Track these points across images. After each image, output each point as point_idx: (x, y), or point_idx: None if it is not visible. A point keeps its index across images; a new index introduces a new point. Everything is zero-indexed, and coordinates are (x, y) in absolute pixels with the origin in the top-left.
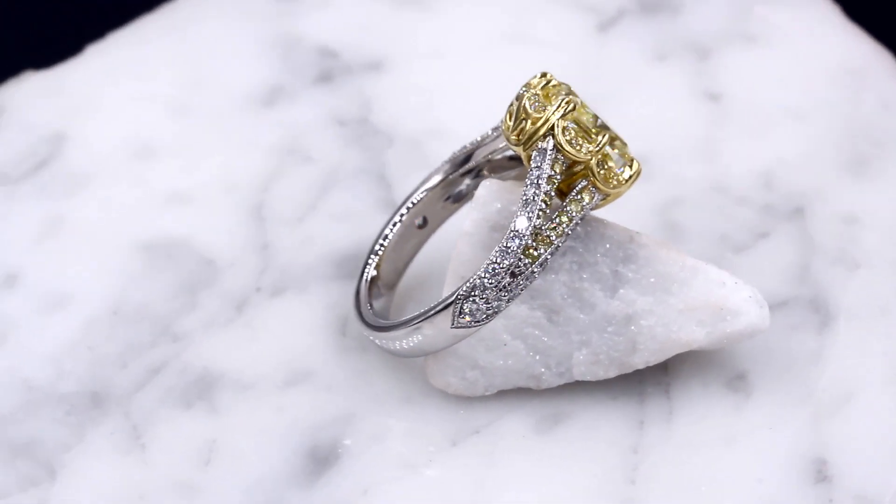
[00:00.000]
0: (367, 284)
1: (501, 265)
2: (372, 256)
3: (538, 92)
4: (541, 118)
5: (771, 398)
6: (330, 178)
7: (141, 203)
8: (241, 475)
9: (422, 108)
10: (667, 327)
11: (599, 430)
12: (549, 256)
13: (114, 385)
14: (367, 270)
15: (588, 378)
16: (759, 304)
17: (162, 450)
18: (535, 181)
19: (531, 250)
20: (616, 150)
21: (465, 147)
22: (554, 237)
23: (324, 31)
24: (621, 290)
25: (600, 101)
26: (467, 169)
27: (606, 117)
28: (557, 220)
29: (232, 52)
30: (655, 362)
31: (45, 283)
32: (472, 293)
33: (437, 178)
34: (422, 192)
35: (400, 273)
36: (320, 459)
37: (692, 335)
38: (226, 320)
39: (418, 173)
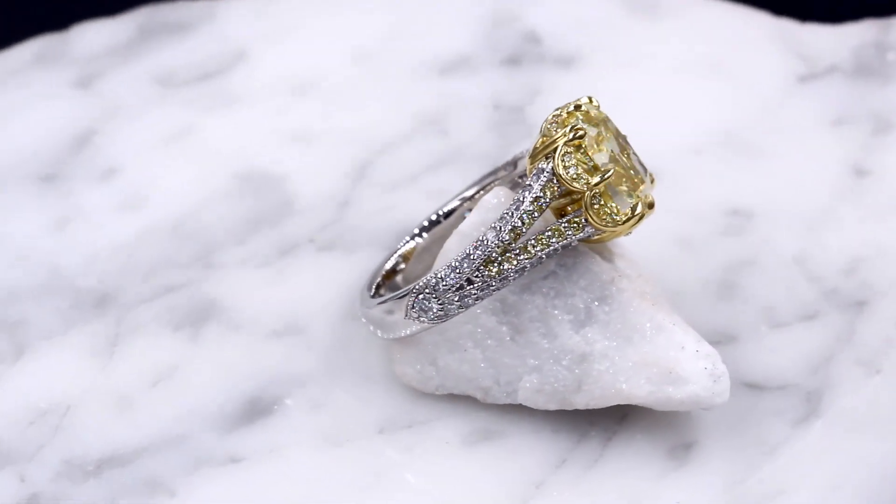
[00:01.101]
0: (387, 270)
1: (459, 270)
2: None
3: (567, 113)
4: (550, 138)
5: (700, 476)
6: (450, 156)
7: (270, 135)
8: (175, 405)
9: None
10: (615, 376)
11: (519, 457)
12: (514, 275)
13: (125, 293)
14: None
15: (529, 404)
16: (714, 379)
17: (125, 362)
18: (521, 199)
19: (493, 264)
20: (627, 190)
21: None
22: (524, 258)
23: (541, 17)
24: (587, 328)
25: (749, 145)
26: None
27: (745, 163)
28: (532, 242)
29: (440, 17)
30: (595, 406)
31: (137, 182)
32: (426, 290)
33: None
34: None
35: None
36: (253, 410)
37: (636, 390)
38: (263, 262)
39: None
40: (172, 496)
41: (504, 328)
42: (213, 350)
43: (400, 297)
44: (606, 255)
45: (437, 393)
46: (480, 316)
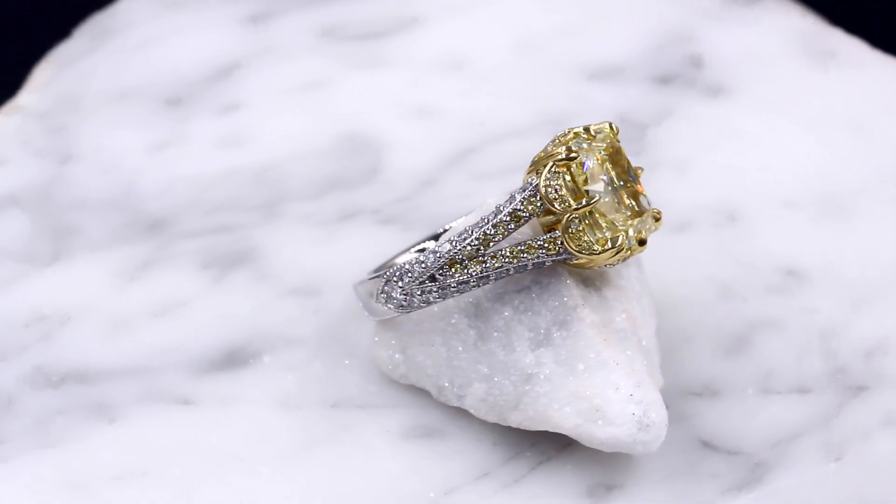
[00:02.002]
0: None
1: (426, 264)
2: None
3: (573, 133)
4: (547, 154)
5: None
6: None
7: (394, 104)
8: (163, 339)
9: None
10: (549, 402)
11: (447, 461)
12: (475, 283)
13: (179, 225)
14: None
15: (472, 412)
16: (641, 427)
17: (142, 288)
18: (500, 208)
19: (458, 265)
20: (618, 221)
21: None
22: (489, 266)
23: (715, 42)
24: (542, 349)
25: (844, 209)
26: None
27: (830, 225)
28: (503, 252)
29: (612, 25)
30: (527, 428)
31: (248, 123)
32: (393, 277)
33: None
34: None
35: None
36: (229, 360)
37: (564, 421)
38: (321, 222)
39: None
40: (111, 422)
41: (472, 332)
42: (227, 295)
43: (374, 279)
44: (597, 283)
45: (400, 381)
46: (454, 315)
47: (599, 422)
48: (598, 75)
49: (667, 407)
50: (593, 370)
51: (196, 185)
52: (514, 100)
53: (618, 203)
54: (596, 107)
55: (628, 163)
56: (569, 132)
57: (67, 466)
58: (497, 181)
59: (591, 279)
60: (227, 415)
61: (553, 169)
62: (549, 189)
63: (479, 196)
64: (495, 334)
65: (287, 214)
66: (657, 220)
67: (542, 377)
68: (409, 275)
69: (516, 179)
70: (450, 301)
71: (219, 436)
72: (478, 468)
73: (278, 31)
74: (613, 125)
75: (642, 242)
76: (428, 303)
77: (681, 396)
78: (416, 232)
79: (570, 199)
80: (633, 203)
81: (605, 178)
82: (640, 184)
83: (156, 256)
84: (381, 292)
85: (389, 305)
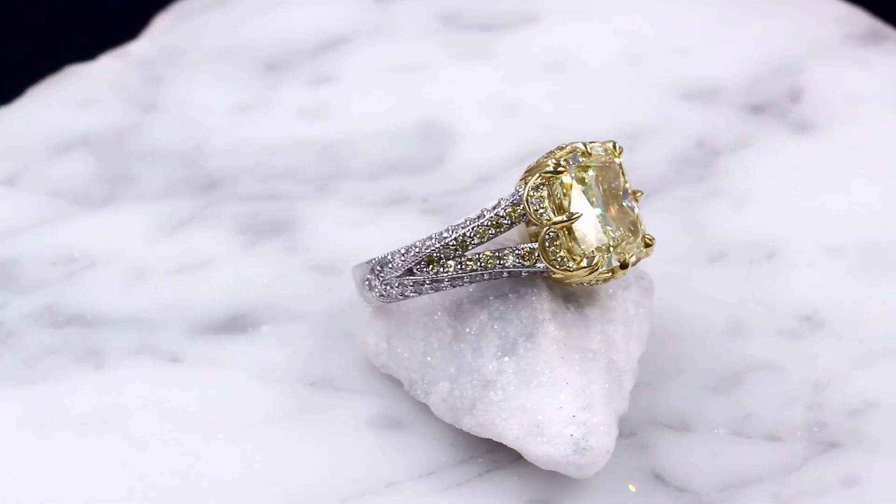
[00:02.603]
0: None
1: (404, 257)
2: None
3: (572, 147)
4: (538, 163)
5: None
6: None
7: (484, 97)
8: (175, 295)
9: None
10: (499, 412)
11: (400, 455)
12: (448, 284)
13: (232, 188)
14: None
15: (433, 410)
16: (576, 449)
17: (174, 243)
18: (483, 212)
19: (435, 263)
20: (600, 242)
21: None
22: (464, 269)
23: (823, 78)
24: (506, 358)
25: (886, 265)
26: None
27: (864, 278)
28: (479, 257)
29: (724, 46)
30: (476, 434)
31: (337, 98)
32: (376, 267)
33: None
34: None
35: None
36: (229, 324)
37: (507, 432)
38: (368, 203)
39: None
40: (96, 369)
41: (449, 331)
42: (251, 261)
43: (364, 265)
44: (581, 300)
45: (381, 370)
46: (438, 312)
47: (538, 438)
48: (692, 95)
49: (632, 434)
50: (544, 386)
51: (263, 151)
52: (600, 109)
53: (605, 223)
54: (676, 126)
55: (626, 184)
56: (567, 146)
57: (38, 405)
58: None
59: (574, 295)
60: (208, 378)
61: (539, 180)
62: (532, 200)
63: None
64: (469, 337)
65: (338, 192)
66: (648, 245)
67: (499, 386)
68: (390, 266)
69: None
70: (437, 297)
71: (191, 397)
72: (426, 466)
73: (398, 10)
74: (617, 145)
75: (624, 266)
76: (404, 296)
77: (651, 426)
78: None
79: (550, 212)
80: (621, 226)
81: (595, 196)
82: (635, 207)
83: (198, 215)
84: (366, 280)
85: (373, 293)
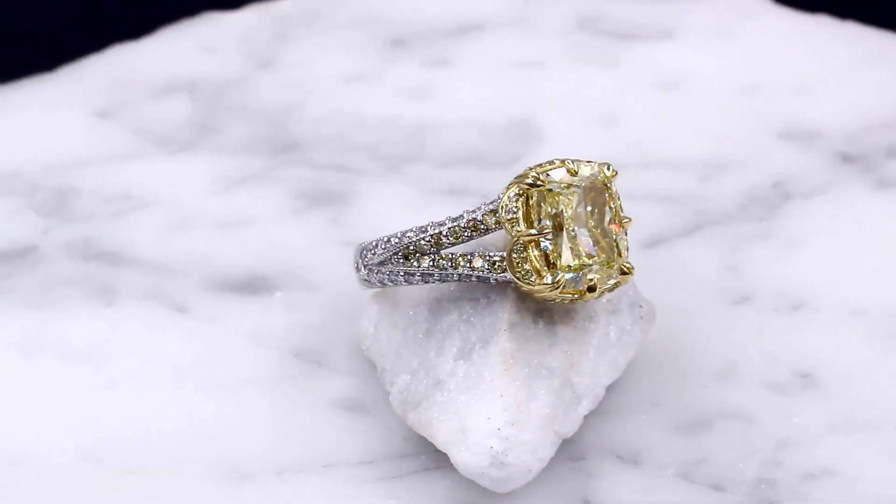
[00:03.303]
0: None
1: (384, 247)
2: None
3: (560, 162)
4: (523, 174)
5: None
6: (696, 213)
7: (592, 104)
8: (209, 249)
9: None
10: (438, 413)
11: (350, 440)
12: (419, 280)
13: (310, 152)
14: None
15: (391, 400)
16: (494, 462)
17: (231, 199)
18: (465, 213)
19: (413, 257)
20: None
21: None
22: (434, 267)
23: None
24: (461, 361)
25: None
26: None
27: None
28: (450, 257)
29: (841, 91)
30: (417, 431)
31: (449, 85)
32: (362, 251)
33: None
34: None
35: None
36: (246, 285)
37: (438, 434)
38: (425, 190)
39: None
40: (106, 306)
41: (424, 326)
42: (292, 227)
43: (356, 247)
44: (556, 316)
45: (364, 353)
46: (420, 305)
47: (461, 444)
48: (790, 135)
49: (581, 459)
50: (481, 395)
51: (352, 123)
52: (694, 133)
53: (577, 244)
54: (761, 164)
55: (618, 208)
56: (556, 161)
57: (36, 330)
58: (629, 202)
59: (549, 311)
60: (203, 333)
61: (517, 190)
62: (507, 209)
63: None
64: (437, 335)
65: (405, 174)
66: (624, 273)
67: (447, 387)
68: (372, 252)
69: (630, 207)
70: (424, 291)
71: (179, 348)
72: (369, 454)
73: (541, 7)
74: (610, 167)
75: (592, 289)
76: (383, 284)
77: (602, 453)
78: None
79: (522, 223)
80: (599, 249)
81: (575, 215)
82: (617, 233)
83: (263, 174)
84: (355, 262)
85: (358, 276)
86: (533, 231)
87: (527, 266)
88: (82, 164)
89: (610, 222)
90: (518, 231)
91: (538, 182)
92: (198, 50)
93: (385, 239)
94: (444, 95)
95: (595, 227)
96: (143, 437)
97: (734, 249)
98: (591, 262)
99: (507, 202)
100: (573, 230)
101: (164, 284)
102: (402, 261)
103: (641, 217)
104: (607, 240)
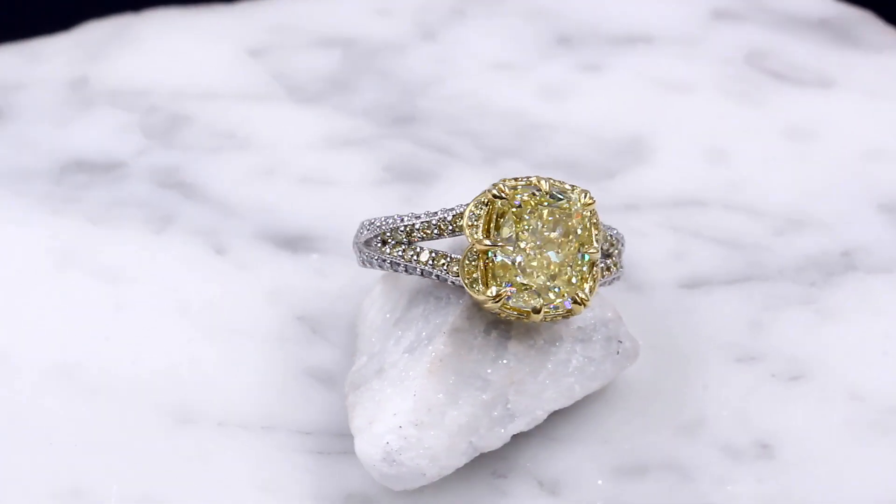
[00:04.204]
0: None
1: (369, 228)
2: None
3: (539, 180)
4: (494, 185)
5: None
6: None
7: (720, 136)
8: (283, 199)
9: None
10: (364, 401)
11: (296, 404)
12: (389, 268)
13: (424, 128)
14: None
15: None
16: (386, 458)
17: (329, 155)
18: (439, 211)
19: (387, 244)
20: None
21: None
22: (402, 258)
23: None
24: (407, 355)
25: None
26: None
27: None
28: (417, 250)
29: None
30: (348, 411)
31: (585, 92)
32: (358, 230)
33: None
34: None
35: None
36: (289, 241)
37: (355, 420)
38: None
39: None
40: (155, 232)
41: (398, 314)
42: (367, 197)
43: None
44: (512, 332)
45: (355, 331)
46: (406, 293)
47: (364, 434)
48: (888, 208)
49: (503, 477)
50: (402, 391)
51: (476, 109)
52: (794, 184)
53: (529, 263)
54: (843, 229)
55: (591, 237)
56: (534, 178)
57: (79, 244)
58: (669, 237)
59: (506, 323)
60: (226, 279)
61: (484, 199)
62: (471, 215)
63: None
64: (403, 324)
65: (498, 168)
66: (577, 303)
67: (385, 376)
68: (361, 233)
69: (692, 244)
70: (417, 278)
71: (197, 288)
72: (310, 425)
73: (718, 32)
74: (588, 195)
75: (536, 311)
76: (363, 264)
77: (525, 476)
78: None
79: (480, 231)
80: (556, 274)
81: (537, 235)
82: (584, 262)
83: (369, 141)
84: (354, 240)
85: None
86: (488, 241)
87: (476, 274)
88: (209, 97)
89: (581, 250)
90: (475, 238)
91: (503, 195)
92: (372, 11)
93: (369, 222)
94: (577, 100)
95: (556, 250)
96: (119, 362)
97: (768, 308)
98: (537, 282)
99: (474, 208)
100: (527, 248)
101: (218, 224)
102: (380, 245)
103: (696, 256)
104: (566, 266)
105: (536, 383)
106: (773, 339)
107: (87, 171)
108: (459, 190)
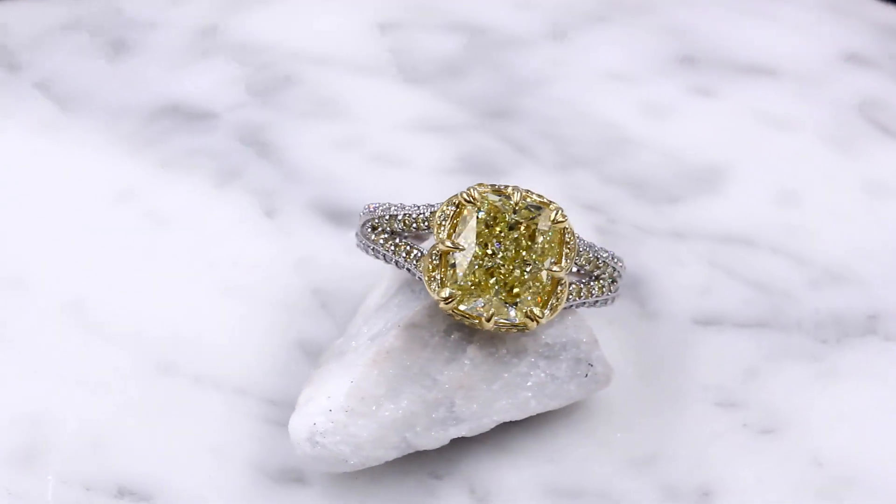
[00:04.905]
0: None
1: (365, 214)
2: None
3: (514, 191)
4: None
5: None
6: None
7: (813, 184)
8: (351, 174)
9: None
10: (319, 378)
11: (276, 371)
12: (373, 254)
13: (519, 122)
14: None
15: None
16: (310, 438)
17: (417, 136)
18: (423, 206)
19: (376, 229)
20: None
21: None
22: (383, 245)
23: None
24: (369, 342)
25: None
26: None
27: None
28: (397, 240)
29: None
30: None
31: (698, 121)
32: (364, 208)
33: None
34: None
35: None
36: (333, 212)
37: (302, 395)
38: (568, 196)
39: None
40: (216, 187)
41: (383, 300)
42: (431, 182)
43: None
44: (475, 337)
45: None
46: (394, 284)
47: (299, 409)
48: None
49: (440, 478)
50: (343, 375)
51: (573, 114)
52: (851, 238)
53: (484, 270)
54: (881, 290)
55: (559, 254)
56: (510, 187)
57: (142, 186)
58: (704, 271)
59: (471, 327)
60: (264, 242)
61: (455, 200)
62: (441, 214)
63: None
64: (381, 311)
65: (567, 176)
66: (528, 318)
67: (343, 359)
68: (360, 216)
69: (724, 282)
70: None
71: (232, 246)
72: (279, 394)
73: (842, 74)
74: (560, 213)
75: (490, 319)
76: (358, 248)
77: (459, 481)
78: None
79: (444, 231)
80: (512, 285)
81: (499, 244)
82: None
83: (459, 131)
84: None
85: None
86: (450, 243)
87: (436, 274)
88: (322, 63)
89: (544, 266)
90: (440, 238)
91: (472, 199)
92: (512, 3)
93: (367, 207)
94: (676, 121)
95: (517, 262)
96: (130, 302)
97: (771, 358)
98: (491, 291)
99: (445, 208)
100: (482, 255)
101: (278, 187)
102: (370, 230)
103: (721, 294)
104: (526, 279)
105: (489, 391)
106: (762, 389)
107: (178, 117)
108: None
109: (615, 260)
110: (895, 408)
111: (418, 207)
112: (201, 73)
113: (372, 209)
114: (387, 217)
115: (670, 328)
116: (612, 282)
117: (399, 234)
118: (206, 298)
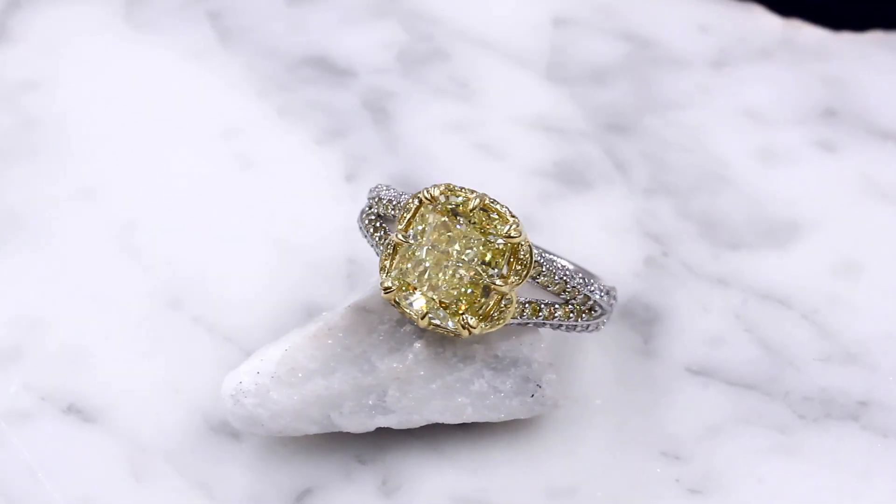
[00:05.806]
0: None
1: (370, 193)
2: None
3: (475, 198)
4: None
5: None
6: None
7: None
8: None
9: None
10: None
11: (272, 327)
12: (365, 237)
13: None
14: None
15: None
16: (233, 395)
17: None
18: (403, 195)
19: (372, 216)
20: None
21: None
22: (373, 229)
23: None
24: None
25: None
26: None
27: None
28: (381, 226)
29: None
30: None
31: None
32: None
33: None
34: None
35: None
36: (350, 175)
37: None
38: (634, 221)
39: None
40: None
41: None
42: (510, 182)
43: None
44: (431, 339)
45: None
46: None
47: (238, 365)
48: None
49: (364, 463)
50: (286, 341)
51: (696, 144)
52: (886, 320)
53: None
54: (885, 382)
55: (510, 266)
56: (476, 192)
57: (251, 120)
58: (722, 322)
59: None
60: (326, 205)
61: (419, 195)
62: (406, 208)
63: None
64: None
65: (648, 199)
66: (463, 327)
67: (306, 325)
68: (365, 203)
69: (733, 336)
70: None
71: (295, 204)
72: (256, 349)
73: None
74: (516, 227)
75: (423, 316)
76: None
77: (376, 471)
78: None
79: (403, 223)
80: (454, 289)
81: (448, 249)
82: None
83: (570, 136)
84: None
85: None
86: (401, 236)
87: (386, 262)
88: (480, 46)
89: (488, 279)
90: (398, 229)
91: (428, 197)
92: (694, 24)
93: (376, 186)
94: (783, 171)
95: (458, 268)
96: (177, 234)
97: (737, 421)
98: (427, 289)
99: (409, 203)
100: (429, 256)
101: (373, 155)
102: (367, 210)
103: (728, 348)
104: (466, 286)
105: (425, 389)
106: (714, 450)
107: (320, 69)
108: (587, 208)
109: (593, 289)
110: (832, 498)
111: (402, 195)
112: (364, 32)
113: (371, 191)
114: (376, 200)
115: (659, 370)
116: (590, 309)
117: (383, 218)
118: (246, 246)
